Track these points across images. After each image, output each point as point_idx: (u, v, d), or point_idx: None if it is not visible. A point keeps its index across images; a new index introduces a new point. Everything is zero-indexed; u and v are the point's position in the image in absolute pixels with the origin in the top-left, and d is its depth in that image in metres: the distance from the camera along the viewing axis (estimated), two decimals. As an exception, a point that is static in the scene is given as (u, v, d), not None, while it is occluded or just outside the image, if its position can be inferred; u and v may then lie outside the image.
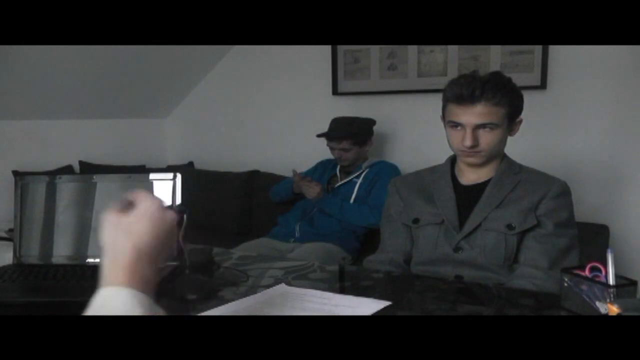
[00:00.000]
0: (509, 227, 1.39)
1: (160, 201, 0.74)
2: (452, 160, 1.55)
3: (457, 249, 1.42)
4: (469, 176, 1.49)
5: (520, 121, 1.47)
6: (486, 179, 1.47)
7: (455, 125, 1.41)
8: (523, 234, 1.40)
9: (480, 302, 1.16)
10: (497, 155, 1.47)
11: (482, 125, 1.38)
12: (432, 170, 1.58)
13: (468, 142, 1.39)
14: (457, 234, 1.42)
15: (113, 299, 0.65)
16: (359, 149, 2.70)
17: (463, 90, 1.37)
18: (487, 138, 1.40)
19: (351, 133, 2.66)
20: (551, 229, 1.38)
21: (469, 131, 1.39)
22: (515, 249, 1.40)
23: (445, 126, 1.47)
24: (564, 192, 1.43)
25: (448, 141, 1.47)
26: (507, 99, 1.39)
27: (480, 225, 1.41)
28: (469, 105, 1.37)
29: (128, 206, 0.72)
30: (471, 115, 1.38)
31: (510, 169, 1.47)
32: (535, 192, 1.41)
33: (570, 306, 1.00)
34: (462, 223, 1.43)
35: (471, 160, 1.44)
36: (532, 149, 2.30)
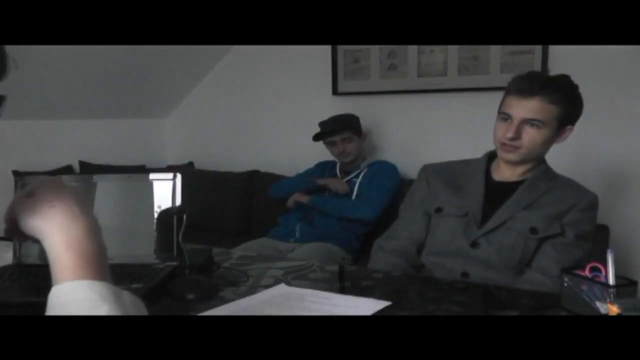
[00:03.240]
0: (532, 230, 1.38)
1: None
2: (489, 157, 1.54)
3: (474, 244, 1.41)
4: (504, 173, 1.48)
5: (571, 130, 1.45)
6: (519, 178, 1.46)
7: (505, 117, 1.41)
8: (542, 239, 1.39)
9: (480, 302, 1.16)
10: (537, 157, 1.45)
11: (530, 121, 1.37)
12: (466, 163, 1.57)
13: (510, 134, 1.38)
14: (478, 229, 1.41)
15: (72, 298, 0.61)
16: (359, 140, 2.74)
17: (524, 82, 1.38)
18: (530, 135, 1.39)
19: (349, 123, 2.72)
20: (571, 239, 1.37)
21: (515, 123, 1.38)
22: (531, 253, 1.39)
23: (496, 119, 1.46)
24: (592, 206, 1.43)
25: (494, 135, 1.46)
26: (564, 100, 1.38)
27: (504, 223, 1.40)
28: (526, 96, 1.37)
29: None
30: (523, 108, 1.37)
31: (546, 175, 1.46)
32: (565, 200, 1.40)
33: (570, 306, 1.00)
34: (484, 219, 1.43)
35: (510, 156, 1.43)
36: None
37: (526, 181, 1.44)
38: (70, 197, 0.68)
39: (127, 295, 0.66)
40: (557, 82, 1.39)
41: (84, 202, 0.70)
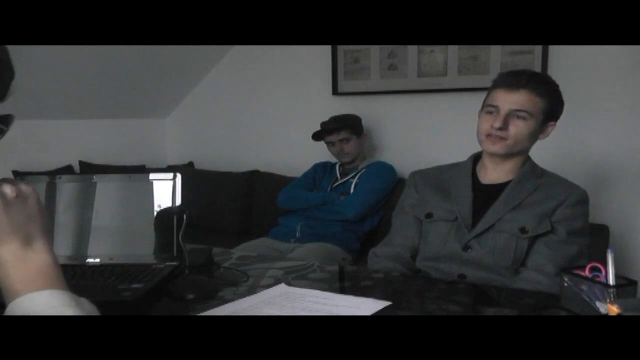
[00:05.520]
0: (522, 230, 1.38)
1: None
2: (475, 159, 1.54)
3: (466, 247, 1.41)
4: (490, 175, 1.49)
5: (553, 126, 1.46)
6: (507, 179, 1.46)
7: (491, 109, 1.42)
8: (534, 238, 1.39)
9: (480, 302, 1.16)
10: (522, 151, 1.45)
11: (517, 112, 1.39)
12: (453, 166, 1.57)
13: (497, 124, 1.38)
14: (469, 233, 1.42)
15: (34, 309, 0.60)
16: (357, 140, 2.74)
17: (512, 76, 1.41)
18: (517, 126, 1.39)
19: (347, 123, 2.72)
20: (563, 236, 1.37)
21: (502, 114, 1.39)
22: (524, 252, 1.39)
23: (479, 115, 1.47)
24: (581, 201, 1.42)
25: (477, 130, 1.46)
26: (549, 95, 1.42)
27: (493, 225, 1.40)
28: (514, 89, 1.39)
29: None
30: (510, 100, 1.39)
31: (533, 172, 1.46)
32: (553, 197, 1.40)
33: (570, 306, 1.00)
34: (475, 222, 1.43)
35: (495, 148, 1.42)
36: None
37: (512, 181, 1.44)
38: (11, 208, 0.65)
39: (85, 302, 0.65)
40: (542, 77, 1.45)
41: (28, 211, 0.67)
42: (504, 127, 1.39)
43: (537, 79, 1.41)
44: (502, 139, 1.40)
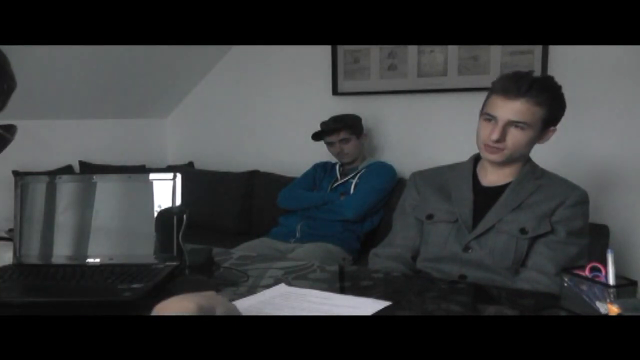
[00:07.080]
0: (522, 231, 1.38)
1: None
2: (475, 159, 1.54)
3: (466, 248, 1.41)
4: (490, 177, 1.48)
5: (554, 130, 1.44)
6: (507, 181, 1.46)
7: (489, 118, 1.40)
8: (534, 239, 1.38)
9: (480, 302, 1.16)
10: (521, 158, 1.45)
11: (515, 123, 1.37)
12: (454, 167, 1.57)
13: (495, 136, 1.37)
14: (469, 234, 1.42)
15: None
16: (357, 140, 2.74)
17: (511, 83, 1.36)
18: (515, 137, 1.38)
19: (347, 123, 2.72)
20: (563, 237, 1.37)
21: (499, 125, 1.37)
22: (524, 253, 1.39)
23: (479, 119, 1.45)
24: (581, 201, 1.42)
25: (477, 136, 1.45)
26: (549, 102, 1.38)
27: (493, 226, 1.40)
28: (512, 98, 1.36)
29: None
30: (508, 110, 1.36)
31: (533, 174, 1.45)
32: (553, 198, 1.40)
33: (570, 306, 1.00)
34: (475, 223, 1.43)
35: (493, 157, 1.42)
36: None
37: (512, 183, 1.44)
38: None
39: None
40: (543, 84, 1.38)
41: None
42: (501, 138, 1.38)
43: (537, 86, 1.36)
44: (500, 149, 1.40)
